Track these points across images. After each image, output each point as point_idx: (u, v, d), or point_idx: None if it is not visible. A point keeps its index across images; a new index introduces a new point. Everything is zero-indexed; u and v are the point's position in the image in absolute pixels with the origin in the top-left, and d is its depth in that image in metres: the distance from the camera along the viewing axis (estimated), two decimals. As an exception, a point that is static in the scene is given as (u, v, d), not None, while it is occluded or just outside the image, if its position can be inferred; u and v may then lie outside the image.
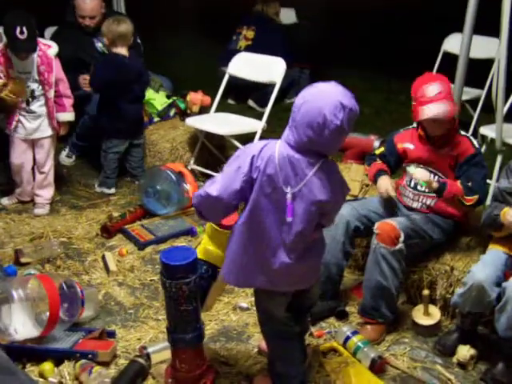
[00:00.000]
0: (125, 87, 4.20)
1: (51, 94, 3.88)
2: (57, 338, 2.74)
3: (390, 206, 3.05)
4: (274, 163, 2.09)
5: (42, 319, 2.66)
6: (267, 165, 2.10)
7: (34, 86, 3.82)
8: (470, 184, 2.82)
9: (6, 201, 4.11)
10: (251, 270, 2.23)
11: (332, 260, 2.93)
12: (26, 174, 4.00)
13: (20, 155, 3.94)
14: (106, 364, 2.63)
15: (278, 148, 2.11)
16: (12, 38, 3.60)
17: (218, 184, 2.15)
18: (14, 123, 3.83)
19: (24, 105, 3.83)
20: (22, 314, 2.64)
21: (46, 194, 4.06)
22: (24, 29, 3.55)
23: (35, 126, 3.89)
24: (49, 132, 3.97)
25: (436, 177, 2.91)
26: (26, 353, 2.63)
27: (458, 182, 2.83)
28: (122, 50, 4.12)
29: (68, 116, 4.05)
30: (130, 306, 3.11)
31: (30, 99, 3.83)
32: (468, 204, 2.83)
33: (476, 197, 2.81)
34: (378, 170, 3.07)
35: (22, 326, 2.62)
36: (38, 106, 3.87)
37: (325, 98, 2.02)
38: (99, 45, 4.63)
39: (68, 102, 4.01)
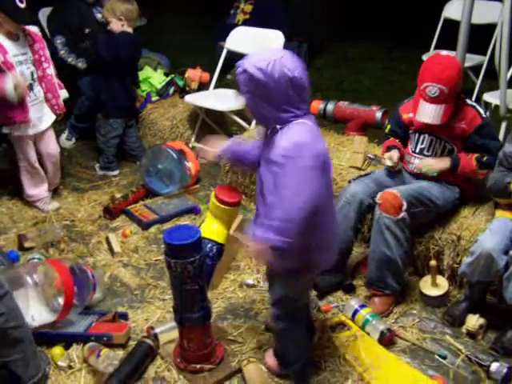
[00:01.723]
0: (133, 65, 4.27)
1: (51, 69, 3.67)
2: (70, 322, 2.72)
3: (397, 176, 3.05)
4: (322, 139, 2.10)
5: (53, 304, 2.66)
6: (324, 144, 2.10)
7: (33, 68, 3.57)
8: (484, 159, 2.82)
9: (51, 206, 3.82)
10: (331, 249, 2.27)
11: (343, 237, 2.92)
12: (40, 169, 3.77)
13: (33, 153, 3.67)
14: (117, 346, 2.62)
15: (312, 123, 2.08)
16: (13, 9, 3.32)
17: (306, 196, 1.99)
18: (29, 112, 3.49)
19: (28, 91, 3.50)
20: (36, 300, 2.64)
21: (57, 179, 4.00)
22: None
23: (39, 114, 3.63)
24: (52, 117, 3.75)
25: (442, 143, 2.91)
26: (41, 338, 2.59)
27: (473, 159, 2.82)
28: (131, 29, 4.12)
29: (65, 93, 3.90)
30: (136, 286, 3.10)
31: (32, 82, 3.57)
32: (481, 177, 2.85)
33: (489, 169, 2.82)
34: (387, 146, 3.09)
35: (38, 313, 2.61)
36: (38, 91, 3.63)
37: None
38: (98, 16, 4.61)
39: (58, 79, 3.82)
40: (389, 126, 3.18)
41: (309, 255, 2.17)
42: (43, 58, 3.62)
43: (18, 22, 3.42)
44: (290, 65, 2.00)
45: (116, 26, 4.09)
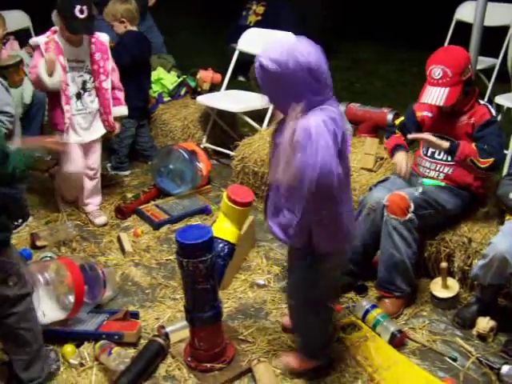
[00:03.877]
0: (146, 63, 4.31)
1: (108, 83, 3.54)
2: (81, 320, 2.74)
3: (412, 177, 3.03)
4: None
5: (64, 302, 2.67)
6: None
7: (87, 76, 3.49)
8: (485, 147, 2.72)
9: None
10: (348, 231, 2.24)
11: (371, 242, 2.94)
12: (81, 182, 3.65)
13: (76, 162, 3.53)
14: (128, 345, 2.64)
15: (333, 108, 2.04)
16: (71, 18, 3.23)
17: None
18: (66, 123, 3.42)
19: (74, 99, 3.47)
20: (47, 298, 2.65)
21: (97, 200, 3.79)
22: (84, 8, 3.22)
23: (86, 125, 3.55)
24: (102, 131, 3.64)
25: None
26: (52, 335, 2.62)
27: (473, 144, 2.75)
28: (134, 28, 4.17)
29: (123, 110, 3.73)
30: (147, 286, 3.12)
31: (82, 91, 3.49)
32: (483, 167, 2.70)
33: (491, 160, 2.69)
34: (395, 144, 3.04)
35: (49, 310, 2.63)
36: (89, 102, 3.53)
37: None
38: None
39: (121, 94, 3.69)
40: (401, 119, 3.15)
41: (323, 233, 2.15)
42: (101, 70, 3.51)
43: (70, 32, 3.34)
44: (304, 51, 1.94)
45: (119, 28, 4.14)
